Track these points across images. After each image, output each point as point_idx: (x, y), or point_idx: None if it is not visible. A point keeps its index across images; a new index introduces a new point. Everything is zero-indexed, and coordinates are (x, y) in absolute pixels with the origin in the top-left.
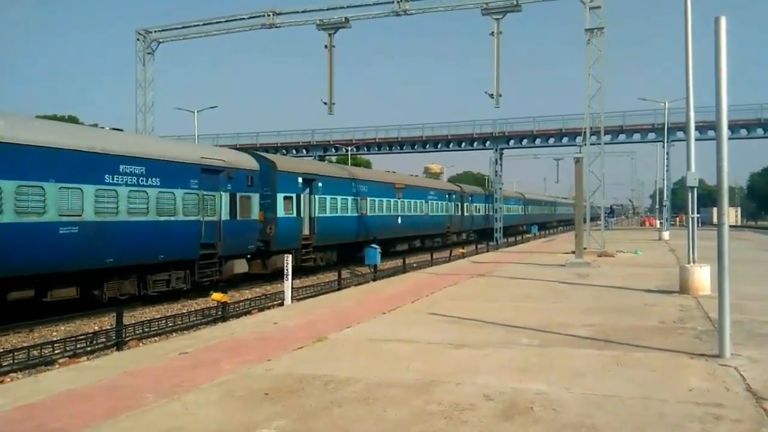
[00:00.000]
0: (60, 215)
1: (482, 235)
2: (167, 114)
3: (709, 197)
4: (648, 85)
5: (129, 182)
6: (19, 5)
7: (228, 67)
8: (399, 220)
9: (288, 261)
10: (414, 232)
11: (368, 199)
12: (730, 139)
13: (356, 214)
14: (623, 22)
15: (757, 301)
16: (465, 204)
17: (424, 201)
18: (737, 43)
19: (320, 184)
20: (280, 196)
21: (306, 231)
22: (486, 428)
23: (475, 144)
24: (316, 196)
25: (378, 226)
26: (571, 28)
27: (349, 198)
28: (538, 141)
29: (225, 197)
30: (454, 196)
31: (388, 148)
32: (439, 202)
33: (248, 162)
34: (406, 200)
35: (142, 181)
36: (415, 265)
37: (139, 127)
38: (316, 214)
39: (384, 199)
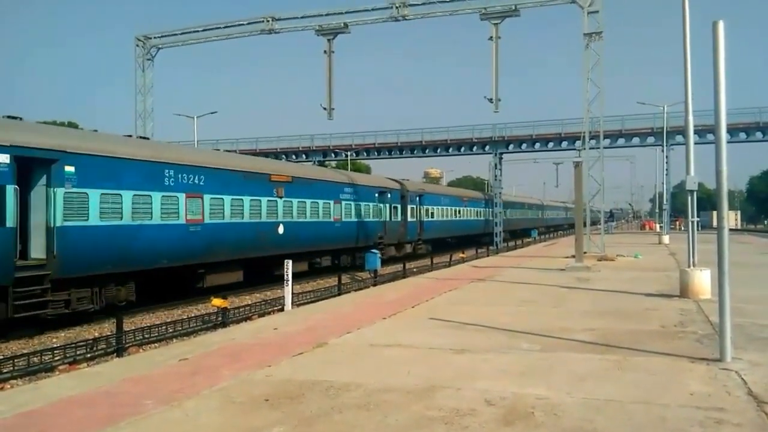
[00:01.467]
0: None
1: (441, 246)
2: (167, 120)
3: (708, 201)
4: (647, 89)
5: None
6: (17, 12)
7: (227, 73)
8: (277, 230)
9: (288, 266)
10: (310, 247)
11: (205, 197)
12: (729, 142)
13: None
14: (622, 26)
15: (757, 305)
16: (410, 207)
17: (331, 202)
18: (736, 46)
19: None
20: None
21: None
22: None
23: (475, 148)
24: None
25: (222, 241)
26: (569, 33)
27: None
28: (537, 145)
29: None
30: (390, 196)
31: (387, 152)
32: (362, 204)
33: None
34: (294, 201)
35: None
36: (415, 269)
37: (139, 133)
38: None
39: (239, 198)
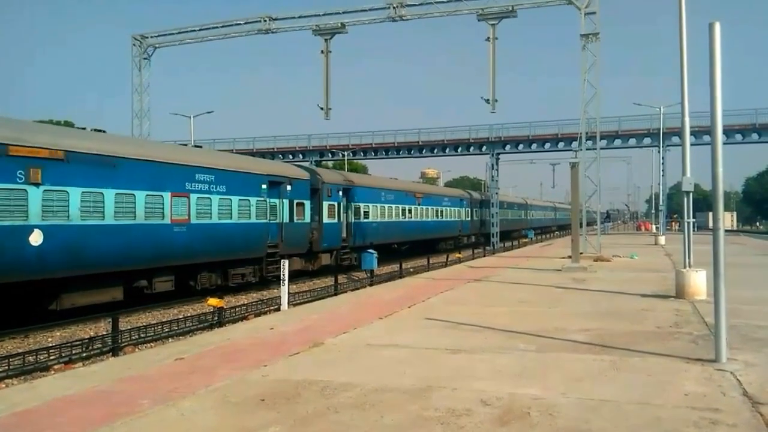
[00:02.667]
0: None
1: (387, 253)
2: (163, 119)
3: (705, 202)
4: (644, 89)
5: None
6: (13, 11)
7: (224, 72)
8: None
9: (285, 267)
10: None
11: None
12: (725, 144)
13: None
14: (620, 26)
15: (752, 306)
16: (328, 204)
17: (164, 194)
18: (734, 47)
19: None
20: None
21: None
22: None
23: (471, 149)
24: None
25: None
26: (566, 33)
27: None
28: (534, 146)
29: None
30: (290, 189)
31: (384, 153)
32: (235, 199)
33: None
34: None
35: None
36: (411, 270)
37: (135, 132)
38: None
39: None
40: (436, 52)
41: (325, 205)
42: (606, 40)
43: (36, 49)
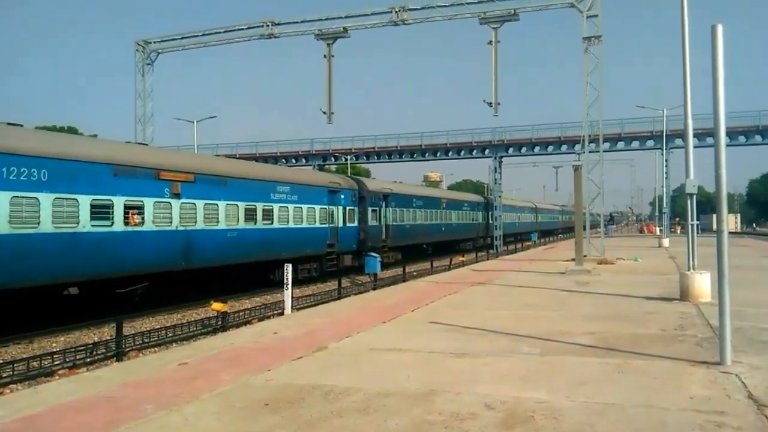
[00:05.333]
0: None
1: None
2: (166, 124)
3: (708, 204)
4: (647, 91)
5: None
6: (13, 14)
7: (227, 77)
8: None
9: (288, 271)
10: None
11: None
12: (728, 146)
13: None
14: (622, 28)
15: (757, 308)
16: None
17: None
18: (737, 48)
19: None
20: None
21: None
22: None
23: (474, 152)
24: None
25: None
26: (569, 36)
27: None
28: (537, 149)
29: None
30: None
31: (387, 156)
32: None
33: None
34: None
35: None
36: (415, 273)
37: (138, 137)
38: None
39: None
40: (439, 55)
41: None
42: (609, 40)
43: (37, 51)
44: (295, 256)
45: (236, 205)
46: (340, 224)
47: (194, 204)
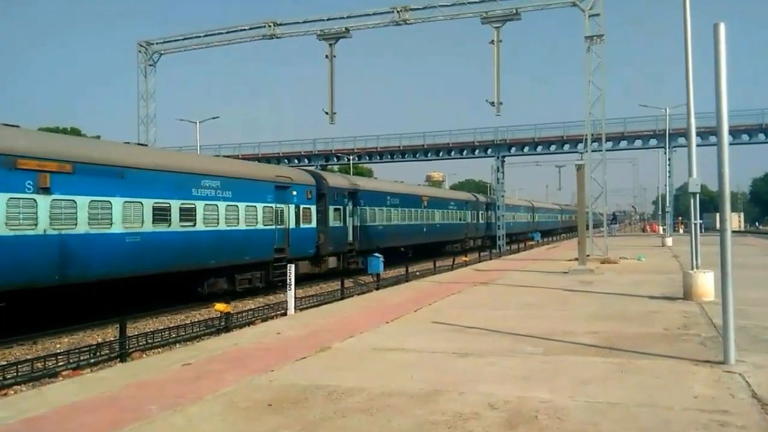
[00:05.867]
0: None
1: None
2: (169, 125)
3: (711, 203)
4: (650, 88)
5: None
6: (17, 15)
7: (229, 78)
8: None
9: (291, 271)
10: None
11: None
12: (731, 144)
13: None
14: (624, 27)
15: (761, 307)
16: (333, 208)
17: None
18: (741, 46)
19: None
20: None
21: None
22: None
23: (477, 152)
24: None
25: None
26: (571, 35)
27: None
28: (539, 148)
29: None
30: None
31: (389, 156)
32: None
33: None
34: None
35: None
36: (418, 273)
37: (141, 139)
38: None
39: None
40: (441, 54)
41: (331, 209)
42: (612, 40)
43: (37, 52)
44: (229, 265)
45: (140, 202)
46: (292, 225)
47: (73, 201)
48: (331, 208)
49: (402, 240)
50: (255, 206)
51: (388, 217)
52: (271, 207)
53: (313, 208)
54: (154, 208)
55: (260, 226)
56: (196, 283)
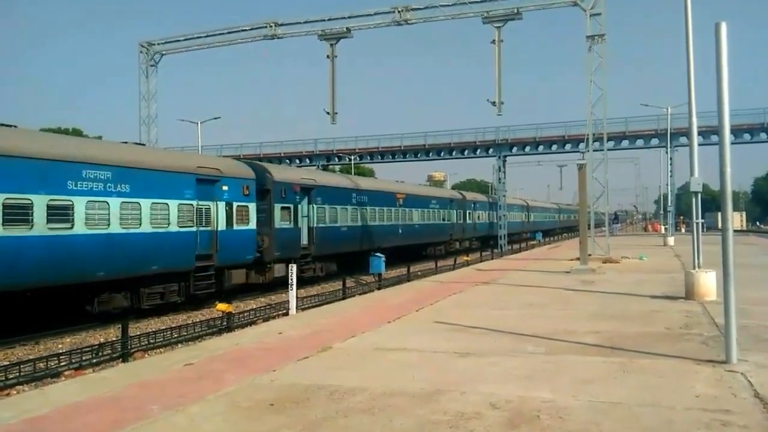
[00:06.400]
0: None
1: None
2: (171, 125)
3: (713, 202)
4: (651, 87)
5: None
6: (17, 15)
7: (231, 78)
8: None
9: (292, 270)
10: None
11: None
12: (733, 143)
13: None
14: (626, 26)
15: (763, 306)
16: (280, 207)
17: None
18: (742, 45)
19: None
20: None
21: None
22: None
23: (478, 152)
24: None
25: None
26: (572, 35)
27: None
28: (541, 148)
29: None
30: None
31: (391, 156)
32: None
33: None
34: None
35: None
36: (419, 273)
37: (142, 139)
38: None
39: None
40: (443, 54)
41: (278, 207)
42: (614, 37)
43: (37, 52)
44: (129, 277)
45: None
46: (222, 227)
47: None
48: (278, 206)
49: (371, 243)
50: (166, 204)
51: (353, 217)
52: (191, 205)
53: (252, 206)
54: (4, 206)
55: (174, 228)
56: (84, 300)
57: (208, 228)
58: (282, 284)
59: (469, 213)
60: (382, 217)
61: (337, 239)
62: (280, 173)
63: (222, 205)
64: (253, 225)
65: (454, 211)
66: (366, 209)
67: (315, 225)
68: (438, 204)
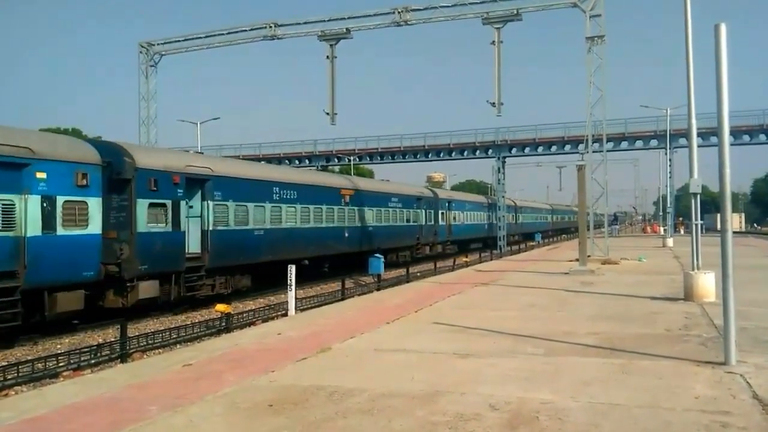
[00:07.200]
0: None
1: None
2: (171, 126)
3: (713, 203)
4: (651, 89)
5: None
6: (17, 14)
7: (230, 79)
8: None
9: (292, 271)
10: None
11: None
12: (732, 145)
13: None
14: (625, 26)
15: (762, 308)
16: (143, 201)
17: None
18: (742, 46)
19: None
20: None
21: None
22: None
23: (477, 152)
24: None
25: None
26: (572, 36)
27: None
28: (540, 149)
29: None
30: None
31: (390, 157)
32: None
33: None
34: None
35: None
36: (418, 274)
37: (142, 140)
38: None
39: None
40: (442, 54)
41: (144, 204)
42: (613, 37)
43: (37, 52)
44: None
45: None
46: (35, 231)
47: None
48: (144, 202)
49: (303, 249)
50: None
51: (275, 218)
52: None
53: (95, 201)
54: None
55: None
56: None
57: (10, 233)
58: (155, 308)
59: (443, 213)
60: (320, 217)
61: (248, 247)
62: (148, 156)
63: (36, 199)
64: (95, 228)
65: (423, 211)
66: (295, 207)
67: (211, 228)
68: (400, 202)
